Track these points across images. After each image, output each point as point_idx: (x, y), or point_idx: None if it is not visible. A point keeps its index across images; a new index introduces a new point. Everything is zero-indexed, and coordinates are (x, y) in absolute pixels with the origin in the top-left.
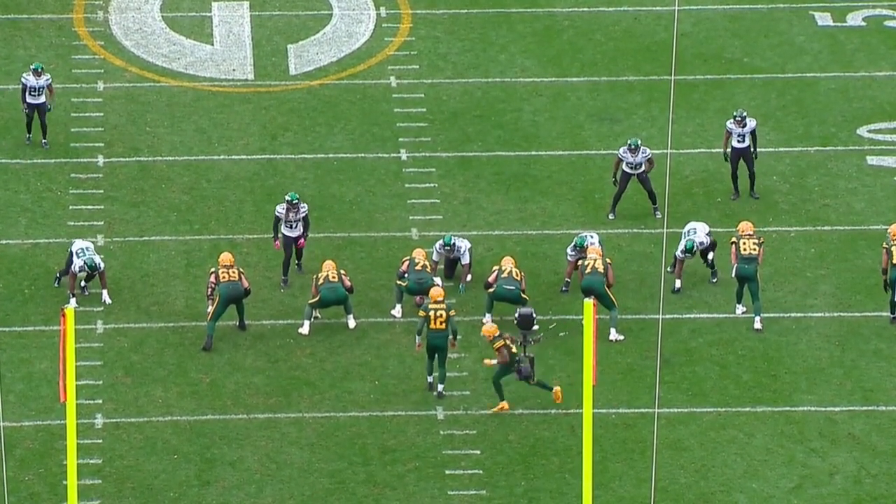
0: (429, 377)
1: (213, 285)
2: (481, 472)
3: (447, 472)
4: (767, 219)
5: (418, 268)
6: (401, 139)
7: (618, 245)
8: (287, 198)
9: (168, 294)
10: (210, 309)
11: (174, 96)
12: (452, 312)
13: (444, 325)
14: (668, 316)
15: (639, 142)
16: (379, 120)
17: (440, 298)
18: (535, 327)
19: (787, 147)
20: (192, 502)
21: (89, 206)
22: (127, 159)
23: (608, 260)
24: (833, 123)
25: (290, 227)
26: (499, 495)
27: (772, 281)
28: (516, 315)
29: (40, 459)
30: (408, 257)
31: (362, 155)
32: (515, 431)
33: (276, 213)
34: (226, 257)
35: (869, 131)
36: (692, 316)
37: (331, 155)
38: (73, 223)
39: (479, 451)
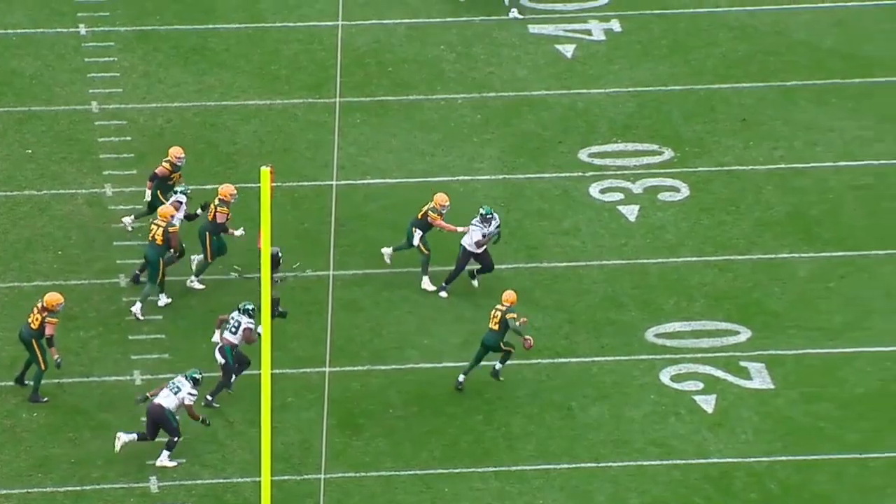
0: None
1: None
2: (164, 336)
3: (130, 337)
4: (436, 87)
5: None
6: (79, 14)
7: (294, 115)
8: None
9: None
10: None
11: None
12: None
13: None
14: (341, 182)
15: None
16: None
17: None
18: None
19: (454, 17)
20: None
21: None
22: None
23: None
24: None
25: None
26: (180, 358)
27: (441, 146)
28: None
29: None
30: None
31: (42, 30)
32: (197, 297)
33: None
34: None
35: (531, 0)
36: (365, 182)
37: (10, 31)
38: None
39: (161, 317)
